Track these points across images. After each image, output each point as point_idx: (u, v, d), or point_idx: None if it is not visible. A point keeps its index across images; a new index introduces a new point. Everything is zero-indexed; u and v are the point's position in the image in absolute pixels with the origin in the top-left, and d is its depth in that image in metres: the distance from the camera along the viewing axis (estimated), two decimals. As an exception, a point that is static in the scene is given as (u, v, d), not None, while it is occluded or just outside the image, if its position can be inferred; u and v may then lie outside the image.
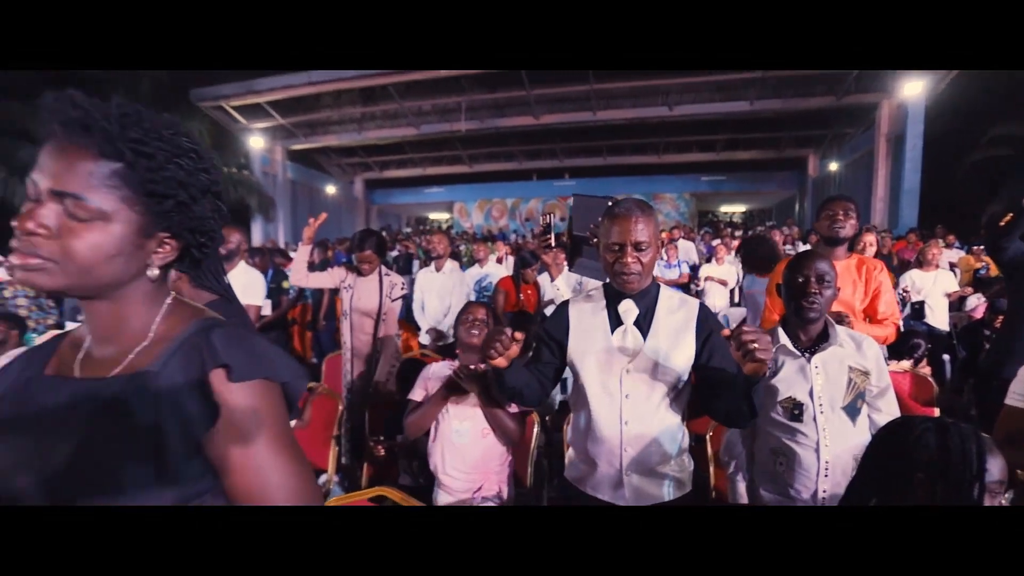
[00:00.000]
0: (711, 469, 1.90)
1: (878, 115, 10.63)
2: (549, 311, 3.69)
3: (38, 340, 1.87)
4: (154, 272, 0.62)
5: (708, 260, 5.87)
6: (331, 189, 17.22)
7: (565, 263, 3.84)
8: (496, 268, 4.40)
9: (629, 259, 1.20)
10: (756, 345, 0.98)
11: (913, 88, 9.10)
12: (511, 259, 6.66)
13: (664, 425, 1.26)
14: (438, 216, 21.44)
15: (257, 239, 13.88)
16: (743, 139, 14.71)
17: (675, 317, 1.27)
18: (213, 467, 0.59)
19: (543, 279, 3.95)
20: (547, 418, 2.83)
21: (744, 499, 1.43)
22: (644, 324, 1.26)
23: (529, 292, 3.81)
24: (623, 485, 1.26)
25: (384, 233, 4.00)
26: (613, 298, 1.30)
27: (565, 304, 1.38)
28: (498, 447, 1.79)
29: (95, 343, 0.63)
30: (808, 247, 6.93)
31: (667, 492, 1.28)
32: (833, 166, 13.44)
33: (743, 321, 3.83)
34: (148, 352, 0.61)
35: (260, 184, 13.56)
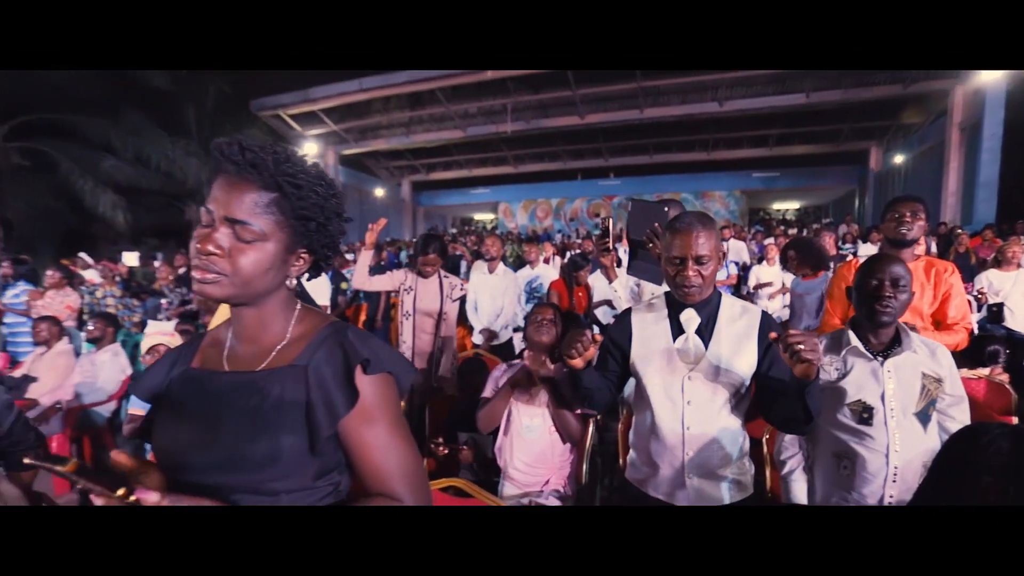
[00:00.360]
0: (767, 472, 1.89)
1: (950, 103, 9.96)
2: (600, 312, 3.73)
3: (153, 338, 2.07)
4: (292, 282, 0.73)
5: (760, 260, 5.70)
6: (379, 191, 17.80)
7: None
8: (547, 269, 4.46)
9: (690, 272, 1.24)
10: (802, 346, 1.00)
11: (992, 73, 8.46)
12: (557, 260, 6.71)
13: (725, 429, 1.29)
14: (483, 217, 21.72)
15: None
16: (798, 133, 14.11)
17: (737, 325, 1.29)
18: (342, 444, 0.70)
19: (594, 280, 3.99)
20: (598, 417, 2.87)
21: (801, 500, 1.42)
22: (706, 332, 1.29)
23: (580, 294, 3.85)
24: (684, 487, 1.29)
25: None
26: (675, 307, 1.33)
27: (628, 312, 1.43)
28: (562, 444, 1.87)
29: (240, 342, 0.74)
30: (870, 246, 6.62)
31: (728, 495, 1.30)
32: (898, 158, 12.69)
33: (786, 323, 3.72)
34: (288, 350, 0.72)
35: (314, 188, 14.24)
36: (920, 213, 1.90)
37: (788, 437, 1.43)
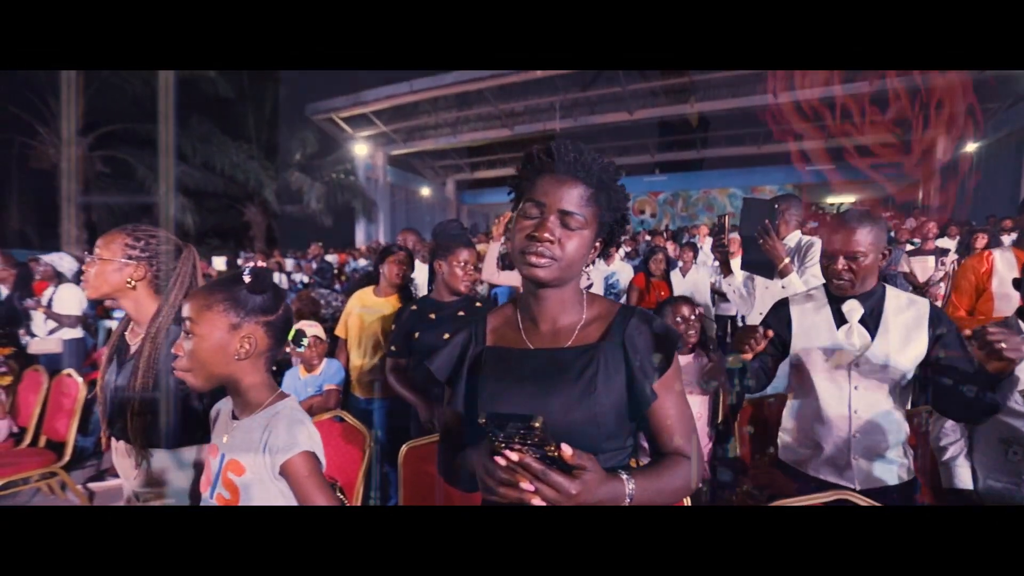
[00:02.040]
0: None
1: (1031, 87, 9.36)
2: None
3: (309, 330, 2.21)
4: (589, 267, 0.82)
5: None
6: (425, 191, 18.15)
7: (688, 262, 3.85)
8: (623, 266, 4.48)
9: (840, 267, 1.30)
10: (1004, 344, 0.99)
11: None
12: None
13: (891, 414, 1.32)
14: (524, 214, 21.73)
15: (360, 239, 15.00)
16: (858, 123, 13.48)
17: (905, 316, 1.33)
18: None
19: (672, 276, 4.01)
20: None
21: (966, 485, 1.43)
22: (870, 322, 1.33)
23: (662, 291, 3.88)
24: (851, 468, 1.33)
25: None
26: (835, 298, 1.38)
27: (784, 303, 1.48)
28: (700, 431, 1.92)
29: (537, 323, 0.82)
30: (947, 240, 6.32)
31: (894, 477, 1.33)
32: (970, 147, 12.00)
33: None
34: (589, 328, 0.80)
35: (363, 188, 14.65)
36: None
37: (949, 424, 1.44)
